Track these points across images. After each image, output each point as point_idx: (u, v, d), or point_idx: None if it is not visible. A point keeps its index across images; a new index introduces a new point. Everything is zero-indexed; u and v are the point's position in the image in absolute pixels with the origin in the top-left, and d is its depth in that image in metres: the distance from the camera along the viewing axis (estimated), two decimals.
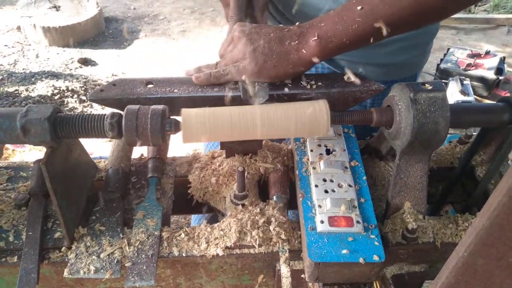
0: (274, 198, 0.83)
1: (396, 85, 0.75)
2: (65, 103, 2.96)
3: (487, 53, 3.23)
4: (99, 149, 2.47)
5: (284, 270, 0.74)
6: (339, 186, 0.78)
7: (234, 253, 0.77)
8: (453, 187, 0.94)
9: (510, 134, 0.79)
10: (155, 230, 0.78)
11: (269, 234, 0.77)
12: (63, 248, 0.76)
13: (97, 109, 2.93)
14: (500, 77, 3.11)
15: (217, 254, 0.76)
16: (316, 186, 0.78)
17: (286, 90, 0.80)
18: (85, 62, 3.44)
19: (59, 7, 3.74)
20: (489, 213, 0.42)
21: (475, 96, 3.02)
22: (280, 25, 0.84)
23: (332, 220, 0.73)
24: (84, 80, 3.22)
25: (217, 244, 0.76)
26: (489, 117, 0.76)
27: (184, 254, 0.76)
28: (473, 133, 0.95)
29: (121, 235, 0.77)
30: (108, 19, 4.07)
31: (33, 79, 3.17)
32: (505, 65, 3.25)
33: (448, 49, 3.35)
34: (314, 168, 0.81)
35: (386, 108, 0.75)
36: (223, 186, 0.87)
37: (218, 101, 0.80)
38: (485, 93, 3.12)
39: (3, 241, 0.77)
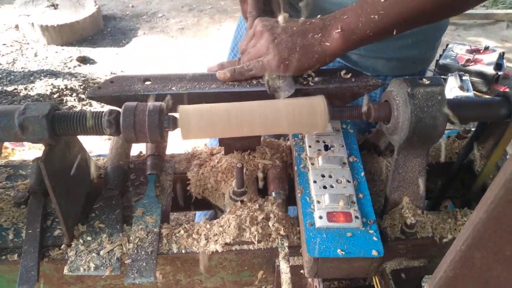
0: (273, 194, 0.83)
1: (393, 80, 0.75)
2: (64, 101, 2.96)
3: (486, 48, 3.23)
4: (98, 147, 2.47)
5: (284, 266, 0.74)
6: (338, 181, 0.78)
7: (234, 249, 0.77)
8: (452, 182, 0.94)
9: (507, 128, 0.79)
10: (155, 227, 0.78)
11: (268, 230, 0.77)
12: (62, 246, 0.76)
13: (96, 108, 2.93)
14: (499, 73, 3.10)
15: (217, 251, 0.76)
16: (315, 182, 0.78)
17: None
18: (83, 60, 3.44)
19: (57, 5, 3.73)
20: (486, 206, 0.42)
21: (474, 92, 3.02)
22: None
23: (330, 216, 0.73)
24: (83, 78, 3.22)
25: (216, 240, 0.77)
26: (487, 112, 0.76)
27: (183, 251, 0.76)
28: (471, 128, 0.95)
29: (120, 232, 0.78)
30: (106, 17, 4.06)
31: (32, 78, 3.17)
32: (504, 61, 3.25)
33: (447, 44, 3.35)
34: (312, 164, 0.81)
35: (384, 103, 0.75)
36: (222, 183, 0.88)
37: (216, 98, 0.80)
38: (484, 88, 3.12)
39: (3, 239, 0.77)
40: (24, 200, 0.82)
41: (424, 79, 0.71)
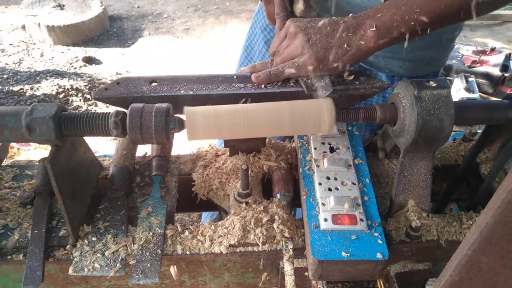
0: (278, 196, 0.83)
1: (400, 82, 0.74)
2: (69, 101, 2.98)
3: (493, 49, 3.21)
4: (103, 147, 2.48)
5: (288, 268, 0.74)
6: (343, 184, 0.78)
7: (238, 251, 0.77)
8: (457, 184, 0.94)
9: None
10: (159, 228, 0.78)
11: (272, 232, 0.77)
12: (68, 246, 0.76)
13: (102, 108, 2.94)
14: (506, 74, 3.08)
15: (221, 252, 0.76)
16: (320, 184, 0.78)
17: (289, 87, 0.80)
18: (89, 60, 3.45)
19: (63, 6, 3.75)
20: (493, 211, 0.42)
21: (480, 93, 3.00)
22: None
23: (335, 218, 0.72)
24: (89, 78, 3.23)
25: (221, 242, 0.77)
26: (494, 114, 0.76)
27: (188, 252, 0.76)
28: (478, 131, 0.95)
29: (125, 233, 0.78)
30: (112, 17, 4.07)
31: (38, 78, 3.18)
32: (511, 62, 3.23)
33: (453, 45, 3.33)
34: (317, 166, 0.81)
35: (390, 105, 0.75)
36: (226, 184, 0.88)
37: (222, 99, 0.80)
38: (490, 90, 3.10)
39: (8, 239, 0.77)
40: (30, 200, 0.82)
41: (430, 81, 0.71)
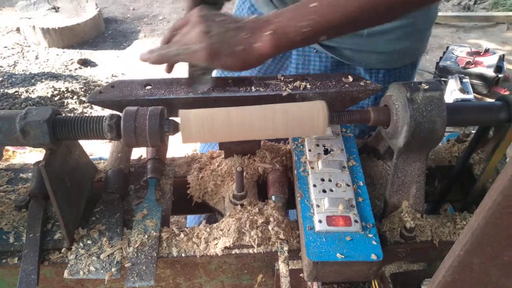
0: (273, 198, 0.83)
1: (393, 84, 0.75)
2: (65, 104, 2.97)
3: (487, 51, 3.23)
4: (98, 150, 2.47)
5: (283, 270, 0.74)
6: (337, 185, 0.78)
7: (233, 253, 0.77)
8: (451, 185, 0.94)
9: (507, 132, 0.79)
10: (155, 231, 0.78)
11: (268, 234, 0.77)
12: (63, 249, 0.76)
13: (97, 110, 2.94)
14: (500, 75, 3.11)
15: (216, 254, 0.76)
16: (314, 185, 0.78)
17: (285, 91, 0.81)
18: (84, 63, 3.45)
19: (58, 8, 3.74)
20: (484, 212, 0.43)
21: (475, 94, 3.02)
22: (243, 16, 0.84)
23: (330, 220, 0.73)
24: (84, 81, 3.23)
25: (216, 244, 0.77)
26: (487, 116, 0.76)
27: (183, 255, 0.77)
28: (472, 131, 0.96)
29: (121, 236, 0.78)
30: (107, 20, 4.07)
31: (33, 81, 3.18)
32: (505, 63, 3.25)
33: (448, 47, 3.35)
34: (312, 167, 0.81)
35: (383, 108, 0.75)
36: (222, 187, 0.88)
37: (217, 102, 0.80)
38: (485, 91, 3.12)
39: (3, 242, 0.77)
40: (25, 204, 0.82)
41: (423, 84, 0.71)
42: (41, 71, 3.30)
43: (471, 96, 2.91)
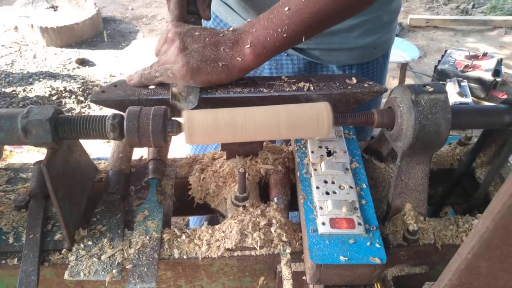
0: (275, 199, 0.82)
1: (397, 86, 0.75)
2: (63, 103, 2.96)
3: (485, 54, 3.25)
4: (96, 150, 2.46)
5: (285, 272, 0.74)
6: (340, 187, 0.78)
7: (235, 255, 0.76)
8: (453, 188, 0.94)
9: (511, 136, 0.79)
10: (156, 232, 0.78)
11: (270, 236, 0.77)
12: (63, 250, 0.75)
13: (95, 110, 2.93)
14: (498, 79, 3.13)
15: (218, 256, 0.76)
16: (317, 187, 0.78)
17: (287, 91, 0.80)
18: (83, 62, 3.44)
19: (56, 7, 3.73)
20: (493, 215, 0.42)
21: (473, 98, 3.03)
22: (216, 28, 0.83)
23: (333, 222, 0.72)
24: (82, 80, 3.22)
25: (218, 246, 0.76)
26: (491, 119, 0.76)
27: (185, 256, 0.76)
28: (473, 135, 0.96)
29: (122, 237, 0.77)
30: (106, 19, 4.06)
31: (30, 80, 3.16)
32: (502, 67, 3.28)
33: (446, 50, 3.37)
34: (315, 169, 0.81)
35: (388, 110, 0.75)
36: (223, 188, 0.87)
37: (220, 103, 0.80)
38: (483, 94, 3.14)
39: (3, 243, 0.76)
40: (25, 204, 0.81)
41: (427, 86, 0.71)
42: (39, 70, 3.29)
43: (469, 99, 2.93)
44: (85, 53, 3.57)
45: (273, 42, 0.75)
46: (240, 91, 0.81)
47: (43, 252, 0.75)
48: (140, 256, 0.75)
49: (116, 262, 0.74)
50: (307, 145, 0.86)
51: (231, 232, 0.77)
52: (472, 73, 3.12)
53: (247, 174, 0.85)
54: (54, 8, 3.72)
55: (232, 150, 0.88)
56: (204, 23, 1.14)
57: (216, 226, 0.80)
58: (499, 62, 3.22)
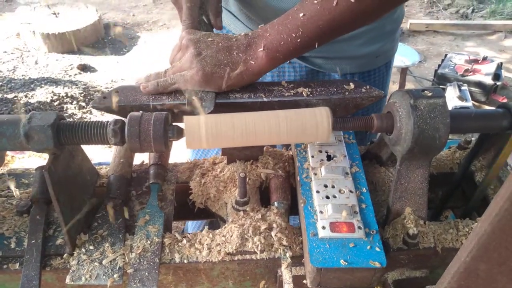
0: (276, 204, 0.83)
1: (396, 91, 0.75)
2: (64, 109, 2.97)
3: (485, 58, 3.26)
4: (99, 155, 2.47)
5: (286, 276, 0.74)
6: (340, 192, 0.78)
7: (236, 259, 0.77)
8: (453, 192, 0.94)
9: (509, 139, 0.80)
10: (157, 237, 0.78)
11: (270, 240, 0.77)
12: (65, 255, 0.76)
13: (96, 116, 2.94)
14: (498, 83, 3.13)
15: (219, 261, 0.76)
16: (317, 192, 0.78)
17: (286, 97, 0.81)
18: (84, 68, 3.45)
19: (58, 13, 3.76)
20: (490, 218, 0.43)
21: (473, 102, 3.04)
22: (230, 33, 0.84)
23: (333, 226, 0.73)
24: (84, 86, 3.23)
25: (218, 250, 0.77)
26: (489, 123, 0.77)
27: (186, 261, 0.76)
28: (472, 139, 0.96)
29: (123, 241, 0.77)
30: (107, 25, 4.08)
31: (32, 86, 3.18)
32: (502, 71, 3.28)
33: (446, 54, 3.37)
34: (315, 174, 0.81)
35: (387, 114, 0.75)
36: (224, 192, 0.88)
37: (221, 108, 0.80)
38: (483, 98, 3.14)
39: (4, 248, 0.76)
40: (27, 209, 0.82)
41: (426, 91, 0.72)
42: (41, 76, 3.30)
43: (469, 103, 2.93)
44: (87, 59, 3.59)
45: (286, 47, 0.76)
46: (240, 96, 0.81)
47: (45, 257, 0.76)
48: (141, 260, 0.75)
49: (117, 267, 0.74)
50: (307, 149, 0.86)
51: (231, 236, 0.77)
52: (472, 77, 3.13)
53: (247, 179, 0.86)
54: (56, 14, 3.74)
55: (232, 154, 0.89)
56: None
57: (217, 231, 0.80)
58: (499, 66, 3.23)
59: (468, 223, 0.82)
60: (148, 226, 0.80)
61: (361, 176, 0.83)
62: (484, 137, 0.85)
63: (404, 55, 3.06)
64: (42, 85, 3.18)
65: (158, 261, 0.75)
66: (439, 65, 3.28)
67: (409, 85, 3.33)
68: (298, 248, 0.78)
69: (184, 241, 0.78)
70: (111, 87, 3.22)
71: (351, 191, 0.78)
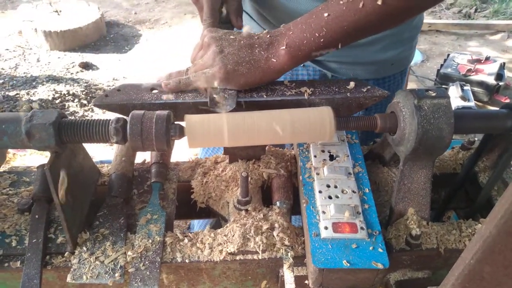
0: (278, 203, 0.82)
1: (400, 91, 0.75)
2: (66, 107, 2.97)
3: (487, 58, 3.24)
4: (100, 153, 2.47)
5: (288, 276, 0.74)
6: (343, 192, 0.78)
7: (238, 259, 0.76)
8: (456, 193, 0.94)
9: None
10: (159, 236, 0.78)
11: (272, 240, 0.77)
12: (66, 253, 0.76)
13: (98, 114, 2.94)
14: (500, 83, 3.12)
15: (221, 260, 0.76)
16: (320, 192, 0.78)
17: (291, 96, 0.81)
18: (86, 66, 3.45)
19: (60, 11, 3.75)
20: (496, 220, 0.42)
21: (476, 102, 3.03)
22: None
23: (336, 226, 0.72)
24: (85, 84, 3.23)
25: (220, 250, 0.76)
26: (493, 124, 0.76)
27: (187, 260, 0.76)
28: (476, 139, 0.95)
29: (124, 240, 0.77)
30: (109, 23, 4.08)
31: (34, 83, 3.18)
32: (505, 71, 3.27)
33: (448, 54, 3.36)
34: (317, 174, 0.81)
35: (390, 114, 0.75)
36: (226, 192, 0.87)
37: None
38: (485, 98, 3.13)
39: (6, 246, 0.76)
40: (28, 207, 0.81)
41: (430, 91, 0.71)
42: (43, 74, 3.30)
43: (472, 103, 2.92)
44: (89, 57, 3.59)
45: (309, 46, 0.75)
46: (243, 95, 0.81)
47: (46, 255, 0.76)
48: (143, 259, 0.75)
49: (119, 266, 0.74)
50: (310, 149, 0.86)
51: (233, 236, 0.77)
52: (474, 77, 3.12)
53: (249, 178, 0.85)
54: (58, 12, 3.74)
55: (234, 154, 0.88)
56: None
57: (219, 230, 0.80)
58: (502, 66, 3.22)
59: (471, 224, 0.82)
60: (150, 225, 0.80)
61: (364, 176, 0.82)
62: (488, 137, 0.85)
63: None
64: (44, 83, 3.18)
65: (159, 260, 0.75)
66: (442, 65, 3.27)
67: (411, 85, 3.32)
68: (300, 248, 0.78)
69: (186, 240, 0.78)
70: (113, 85, 3.22)
71: (353, 191, 0.78)
